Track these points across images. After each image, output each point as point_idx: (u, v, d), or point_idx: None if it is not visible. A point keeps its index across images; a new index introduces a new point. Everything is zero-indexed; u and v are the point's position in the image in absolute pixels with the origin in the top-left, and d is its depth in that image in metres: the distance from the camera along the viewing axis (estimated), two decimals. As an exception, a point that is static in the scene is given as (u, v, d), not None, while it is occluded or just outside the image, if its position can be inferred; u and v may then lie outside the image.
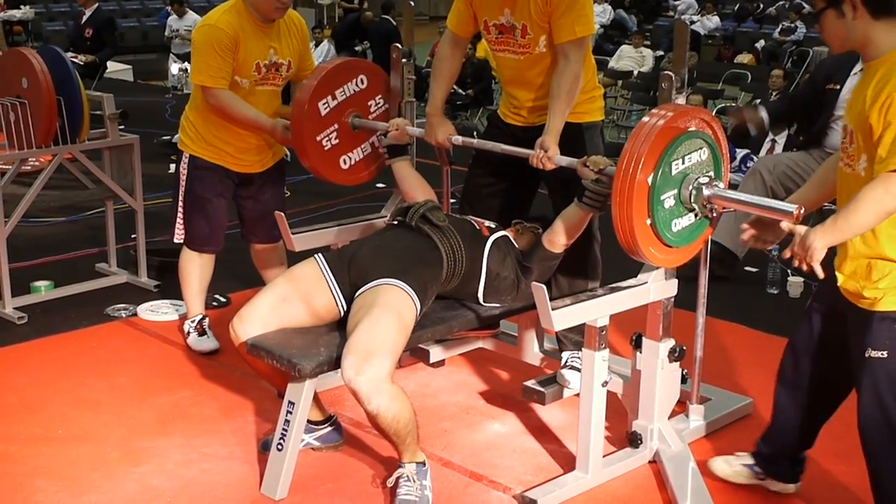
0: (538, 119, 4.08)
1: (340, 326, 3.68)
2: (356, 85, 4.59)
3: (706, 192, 3.43)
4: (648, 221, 3.36)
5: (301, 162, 4.58)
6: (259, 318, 3.70)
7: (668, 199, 3.40)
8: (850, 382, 3.33)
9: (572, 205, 3.79)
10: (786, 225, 3.17)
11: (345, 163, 4.64)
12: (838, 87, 5.44)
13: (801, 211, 3.19)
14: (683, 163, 3.39)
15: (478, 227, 4.05)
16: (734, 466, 3.74)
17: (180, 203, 4.90)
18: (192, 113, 4.84)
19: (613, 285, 3.68)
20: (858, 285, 3.11)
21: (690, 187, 3.42)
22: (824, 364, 3.43)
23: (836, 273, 3.17)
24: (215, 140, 4.77)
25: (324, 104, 4.47)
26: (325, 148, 4.53)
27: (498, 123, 4.38)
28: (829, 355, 3.40)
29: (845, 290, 3.16)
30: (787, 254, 3.10)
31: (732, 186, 3.75)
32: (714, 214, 3.52)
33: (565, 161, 3.84)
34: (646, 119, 3.38)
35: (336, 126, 4.54)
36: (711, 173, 3.47)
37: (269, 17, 4.60)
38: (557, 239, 3.88)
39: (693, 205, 3.44)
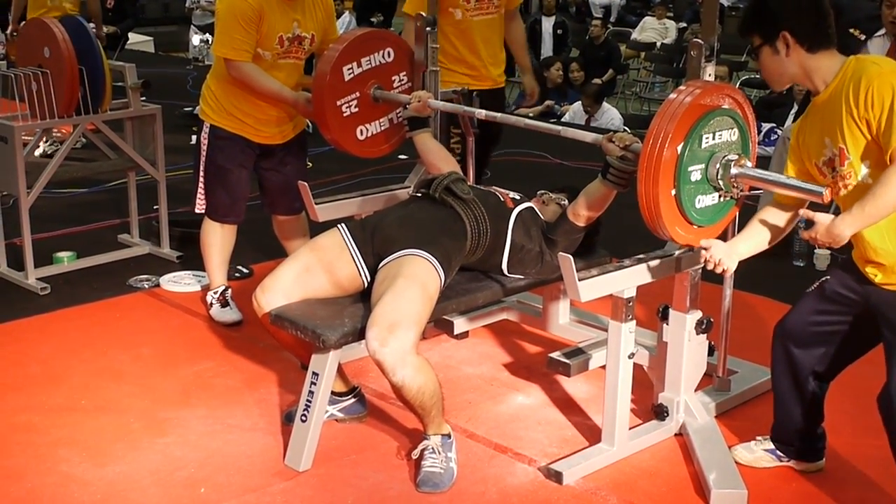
0: (500, 76, 5.15)
1: (364, 297, 3.66)
2: (383, 57, 4.55)
3: (734, 170, 3.37)
4: (673, 192, 3.31)
5: (318, 125, 4.55)
6: (282, 288, 3.68)
7: (695, 173, 3.35)
8: (848, 361, 3.43)
9: (596, 181, 3.74)
10: (805, 212, 3.18)
11: (361, 133, 4.60)
12: (864, 36, 5.34)
13: (829, 192, 3.15)
14: (713, 138, 3.34)
15: (502, 198, 4.01)
16: (756, 453, 3.71)
17: (201, 173, 4.88)
18: (213, 82, 4.81)
19: (640, 256, 3.64)
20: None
21: (718, 164, 3.37)
22: (822, 349, 3.42)
23: (868, 273, 3.19)
24: (235, 111, 4.74)
25: (348, 69, 4.43)
26: (344, 114, 4.49)
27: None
28: (832, 340, 3.39)
29: (883, 285, 3.17)
30: (806, 235, 3.13)
31: (760, 162, 3.69)
32: (740, 195, 3.47)
33: (591, 137, 3.81)
34: (675, 94, 3.32)
35: (357, 94, 4.50)
36: (740, 152, 3.42)
37: None
38: (581, 212, 3.84)
39: (719, 182, 3.38)
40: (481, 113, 4.36)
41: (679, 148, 3.27)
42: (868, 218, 3.00)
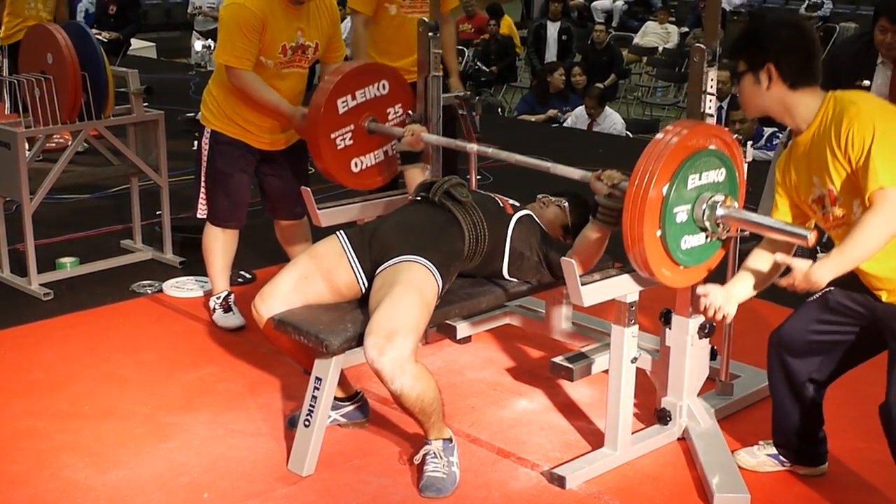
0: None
1: (366, 303, 3.65)
2: (378, 89, 4.54)
3: (720, 211, 3.33)
4: (659, 233, 3.28)
5: (312, 158, 4.53)
6: (281, 296, 3.69)
7: (681, 214, 3.31)
8: (846, 368, 3.44)
9: (589, 223, 3.67)
10: (781, 257, 3.19)
11: (356, 166, 4.58)
12: (868, 82, 5.27)
13: (815, 235, 3.15)
14: (700, 179, 3.31)
15: (501, 203, 4.01)
16: (759, 457, 3.71)
17: (203, 178, 4.89)
18: (215, 88, 4.82)
19: (643, 261, 3.63)
20: None
21: (704, 205, 3.33)
22: (819, 357, 3.43)
23: (874, 291, 3.20)
24: (236, 116, 4.75)
25: (343, 102, 4.42)
26: (338, 147, 4.48)
27: None
28: (832, 349, 3.40)
29: (891, 303, 3.18)
30: (784, 283, 3.12)
31: (761, 165, 3.69)
32: (726, 236, 3.44)
33: (579, 174, 3.81)
34: (662, 134, 3.29)
35: (352, 127, 4.49)
36: (727, 194, 3.39)
37: (299, 0, 4.56)
38: (578, 259, 3.62)
39: (705, 223, 3.35)
40: (473, 147, 4.38)
41: (665, 189, 3.23)
42: (848, 262, 3.02)
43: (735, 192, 3.44)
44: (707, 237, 3.42)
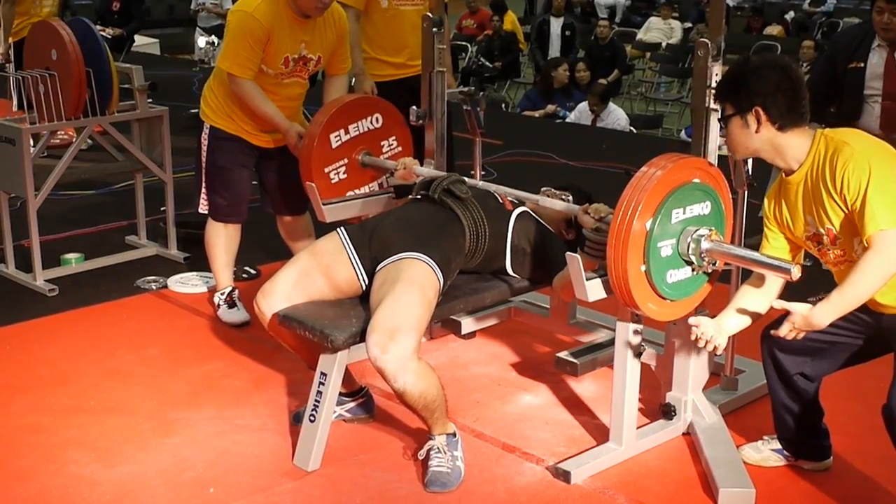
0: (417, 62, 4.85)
1: (368, 299, 3.65)
2: (371, 123, 4.55)
3: (705, 245, 3.31)
4: (643, 268, 3.26)
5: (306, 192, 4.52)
6: (282, 293, 3.70)
7: (665, 248, 3.29)
8: (839, 368, 3.46)
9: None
10: (778, 304, 3.21)
11: None
12: (862, 64, 5.29)
13: (798, 270, 3.16)
14: (684, 213, 3.30)
15: (501, 200, 4.01)
16: (763, 452, 3.71)
17: (203, 174, 4.90)
18: (215, 84, 4.83)
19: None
20: None
21: (689, 239, 3.31)
22: (810, 356, 3.43)
23: (880, 309, 3.20)
24: (234, 115, 4.77)
25: (336, 137, 4.43)
26: (332, 181, 4.49)
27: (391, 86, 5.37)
28: (829, 350, 3.40)
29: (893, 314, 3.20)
30: (783, 331, 3.16)
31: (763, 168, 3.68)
32: (712, 270, 3.41)
33: (563, 206, 3.83)
34: (647, 168, 3.26)
35: (346, 161, 4.51)
36: (713, 227, 3.37)
37: (307, 14, 4.57)
38: (567, 289, 3.69)
39: (690, 257, 3.33)
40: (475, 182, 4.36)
41: (648, 224, 3.21)
42: (847, 306, 3.05)
43: (721, 225, 3.41)
44: (693, 270, 3.39)
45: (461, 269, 3.84)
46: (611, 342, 3.86)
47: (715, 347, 3.34)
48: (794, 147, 3.17)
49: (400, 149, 4.65)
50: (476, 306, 4.02)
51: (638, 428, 3.78)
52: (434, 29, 4.55)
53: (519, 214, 3.95)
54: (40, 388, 4.27)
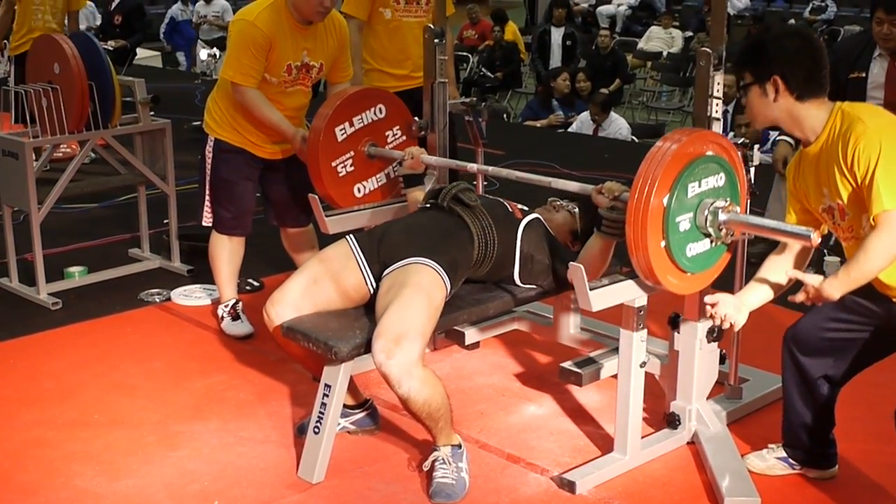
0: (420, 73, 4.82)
1: (374, 307, 3.66)
2: (374, 114, 4.56)
3: (722, 216, 3.34)
4: (663, 244, 3.28)
5: (315, 187, 4.53)
6: (291, 300, 3.69)
7: (684, 222, 3.31)
8: (861, 367, 3.43)
9: (593, 236, 3.69)
10: (792, 273, 3.22)
11: (359, 191, 4.60)
12: (864, 74, 5.28)
13: (818, 236, 3.17)
14: (700, 186, 3.31)
15: (510, 209, 4.02)
16: (768, 461, 3.70)
17: (207, 186, 4.90)
18: (218, 97, 4.83)
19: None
20: None
21: (706, 212, 3.33)
22: (832, 356, 3.43)
23: (887, 292, 3.21)
24: (238, 126, 4.77)
25: (340, 130, 4.44)
26: (340, 174, 4.50)
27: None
28: (845, 347, 3.40)
29: None
30: (797, 299, 3.17)
31: (767, 166, 3.70)
32: (730, 240, 3.44)
33: (578, 187, 3.83)
34: (660, 143, 3.29)
35: (352, 153, 4.52)
36: (728, 198, 3.40)
37: (308, 19, 4.58)
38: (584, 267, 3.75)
39: (709, 229, 3.35)
40: (473, 167, 4.39)
41: (665, 199, 3.23)
42: (854, 283, 3.06)
43: (736, 197, 3.44)
44: (712, 243, 3.42)
45: (469, 277, 3.84)
46: (615, 352, 3.86)
47: (731, 325, 3.35)
48: (811, 118, 3.18)
49: (404, 138, 4.67)
50: (479, 317, 4.02)
51: (642, 437, 3.78)
52: (436, 40, 4.56)
53: (528, 223, 3.96)
54: (45, 402, 4.27)
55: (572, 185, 3.89)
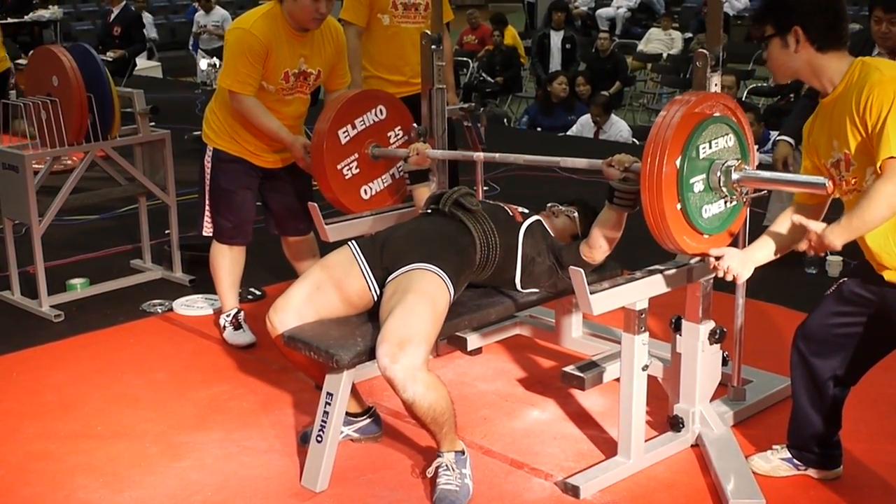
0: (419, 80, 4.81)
1: (377, 316, 3.65)
2: (375, 115, 4.55)
3: (735, 175, 3.36)
4: (679, 206, 3.31)
5: (322, 192, 4.53)
6: (294, 308, 3.69)
7: (698, 184, 3.34)
8: (869, 364, 3.42)
9: (605, 209, 3.72)
10: (797, 218, 3.21)
11: (366, 193, 4.59)
12: None
13: (832, 185, 3.16)
14: (710, 147, 3.34)
15: (511, 212, 4.02)
16: (773, 462, 3.69)
17: (207, 196, 4.90)
18: (216, 107, 4.83)
19: (652, 268, 3.63)
20: None
21: (718, 172, 3.36)
22: (841, 353, 3.41)
23: (881, 273, 3.20)
24: (237, 136, 4.77)
25: (343, 132, 4.44)
26: (346, 177, 4.50)
27: None
28: (851, 343, 3.38)
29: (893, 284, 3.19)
30: (802, 246, 3.16)
31: (767, 166, 3.70)
32: (745, 198, 3.46)
33: (587, 163, 3.82)
34: (667, 108, 3.32)
35: (356, 155, 4.51)
36: (739, 157, 3.42)
37: (304, 27, 4.57)
38: (598, 244, 3.78)
39: (723, 189, 3.38)
40: (480, 156, 4.40)
41: (678, 162, 3.26)
42: (855, 231, 3.04)
43: (746, 155, 3.47)
44: (726, 202, 3.45)
45: (471, 282, 3.84)
46: (617, 355, 3.85)
47: (735, 277, 3.36)
48: (831, 69, 3.17)
49: (406, 138, 4.66)
50: (481, 322, 4.02)
51: (646, 441, 3.77)
52: (433, 46, 4.56)
53: (529, 226, 3.96)
54: (47, 415, 4.27)
55: (581, 162, 3.92)
